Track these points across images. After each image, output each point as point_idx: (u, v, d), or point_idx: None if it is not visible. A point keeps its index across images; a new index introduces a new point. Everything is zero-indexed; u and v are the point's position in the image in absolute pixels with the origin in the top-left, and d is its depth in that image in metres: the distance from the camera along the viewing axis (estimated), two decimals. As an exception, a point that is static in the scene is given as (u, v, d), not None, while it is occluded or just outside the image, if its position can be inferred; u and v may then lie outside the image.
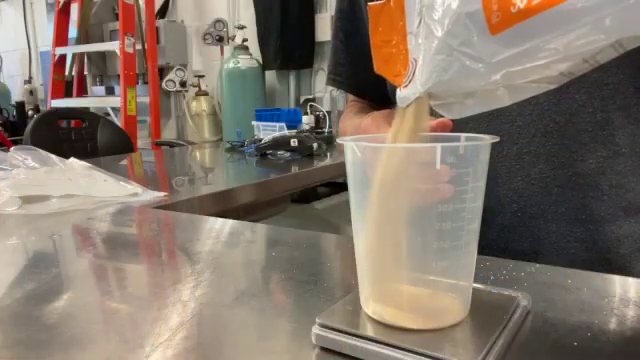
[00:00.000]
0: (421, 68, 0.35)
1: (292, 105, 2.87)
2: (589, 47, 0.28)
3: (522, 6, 0.28)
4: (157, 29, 3.06)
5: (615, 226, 0.59)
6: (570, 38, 0.28)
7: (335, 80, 0.86)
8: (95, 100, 3.31)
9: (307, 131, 1.82)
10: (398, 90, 0.38)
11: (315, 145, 1.52)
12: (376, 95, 0.81)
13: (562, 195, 0.60)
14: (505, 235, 0.64)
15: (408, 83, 0.36)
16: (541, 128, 0.60)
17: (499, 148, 0.63)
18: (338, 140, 0.38)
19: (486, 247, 0.65)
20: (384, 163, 0.35)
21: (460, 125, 0.41)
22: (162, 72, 3.20)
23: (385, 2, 0.39)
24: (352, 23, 0.79)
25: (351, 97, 0.89)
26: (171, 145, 2.75)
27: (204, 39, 2.84)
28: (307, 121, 2.08)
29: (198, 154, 1.92)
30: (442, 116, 0.39)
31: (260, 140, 1.63)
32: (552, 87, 0.32)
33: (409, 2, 0.36)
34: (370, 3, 0.41)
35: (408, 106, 0.36)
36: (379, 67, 0.40)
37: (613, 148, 0.58)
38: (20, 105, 3.95)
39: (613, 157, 0.59)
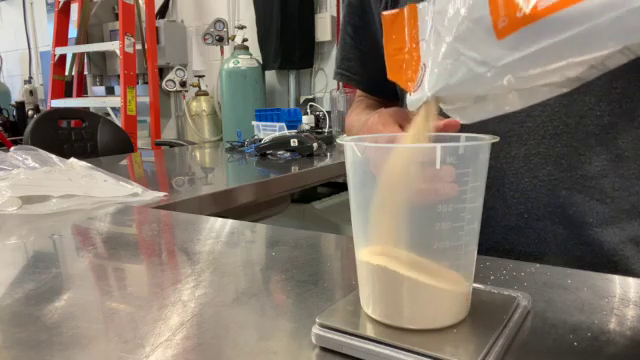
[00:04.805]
0: (429, 73, 0.35)
1: (292, 105, 2.87)
2: (595, 54, 0.28)
3: (528, 11, 0.28)
4: (157, 29, 3.06)
5: (618, 229, 0.59)
6: (575, 44, 0.28)
7: (343, 75, 0.85)
8: (95, 100, 3.31)
9: (307, 131, 1.82)
10: (408, 95, 0.38)
11: (315, 145, 1.52)
12: (385, 91, 0.81)
13: (569, 197, 0.60)
14: (511, 237, 0.64)
15: (417, 88, 0.36)
16: (550, 130, 0.60)
17: (507, 149, 0.62)
18: (338, 140, 0.38)
19: (491, 248, 0.65)
20: (389, 164, 0.35)
21: (468, 125, 0.41)
22: (162, 72, 3.20)
23: (399, 11, 0.40)
24: (361, 18, 0.79)
25: (359, 92, 0.89)
26: (171, 145, 2.75)
27: (204, 39, 2.84)
28: (307, 121, 2.08)
29: (198, 154, 1.92)
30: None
31: (260, 140, 1.63)
32: (564, 91, 0.31)
33: (422, 10, 0.37)
34: (384, 12, 0.41)
35: (418, 110, 0.37)
36: (392, 74, 0.41)
37: (617, 152, 0.58)
38: (20, 105, 3.95)
39: (617, 160, 0.58)
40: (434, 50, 0.34)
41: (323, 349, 0.36)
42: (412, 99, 0.37)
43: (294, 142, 1.53)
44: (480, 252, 0.40)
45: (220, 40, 2.84)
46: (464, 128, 0.42)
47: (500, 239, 0.64)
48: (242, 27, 2.85)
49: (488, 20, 0.30)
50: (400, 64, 0.40)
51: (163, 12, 3.31)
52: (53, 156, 1.12)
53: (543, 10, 0.28)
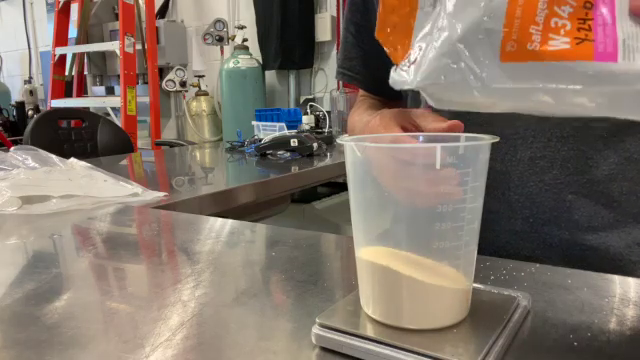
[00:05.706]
0: (423, 61, 0.34)
1: (292, 105, 2.87)
2: (579, 113, 0.28)
3: (539, 47, 0.28)
4: (157, 29, 3.06)
5: (624, 233, 0.58)
6: (567, 98, 0.28)
7: (345, 74, 0.84)
8: (95, 100, 3.31)
9: (307, 131, 1.82)
10: (393, 69, 0.37)
11: (315, 145, 1.52)
12: (387, 91, 0.80)
13: (575, 202, 0.59)
14: (515, 241, 0.63)
15: (406, 67, 0.35)
16: (557, 133, 0.59)
17: (513, 152, 0.61)
18: (338, 140, 0.38)
19: (495, 252, 0.64)
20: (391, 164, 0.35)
21: (470, 126, 0.41)
22: (162, 72, 3.20)
23: None
24: (363, 16, 0.78)
25: (361, 92, 0.88)
26: (171, 145, 2.75)
27: (204, 39, 2.84)
28: (307, 121, 2.08)
29: (198, 154, 1.92)
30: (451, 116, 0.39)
31: (260, 140, 1.63)
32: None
33: None
34: None
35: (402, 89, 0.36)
36: (380, 33, 0.39)
37: (625, 155, 0.58)
38: (20, 105, 3.95)
39: (625, 164, 0.58)
40: (435, 37, 0.33)
41: (323, 349, 0.36)
42: (396, 79, 0.36)
43: (294, 142, 1.53)
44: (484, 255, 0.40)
45: (220, 40, 2.84)
46: (467, 129, 0.41)
47: (504, 243, 0.64)
48: (242, 27, 2.85)
49: (499, 36, 0.29)
50: (390, 25, 0.38)
51: (163, 12, 3.31)
52: (53, 156, 1.12)
53: (552, 53, 0.27)
